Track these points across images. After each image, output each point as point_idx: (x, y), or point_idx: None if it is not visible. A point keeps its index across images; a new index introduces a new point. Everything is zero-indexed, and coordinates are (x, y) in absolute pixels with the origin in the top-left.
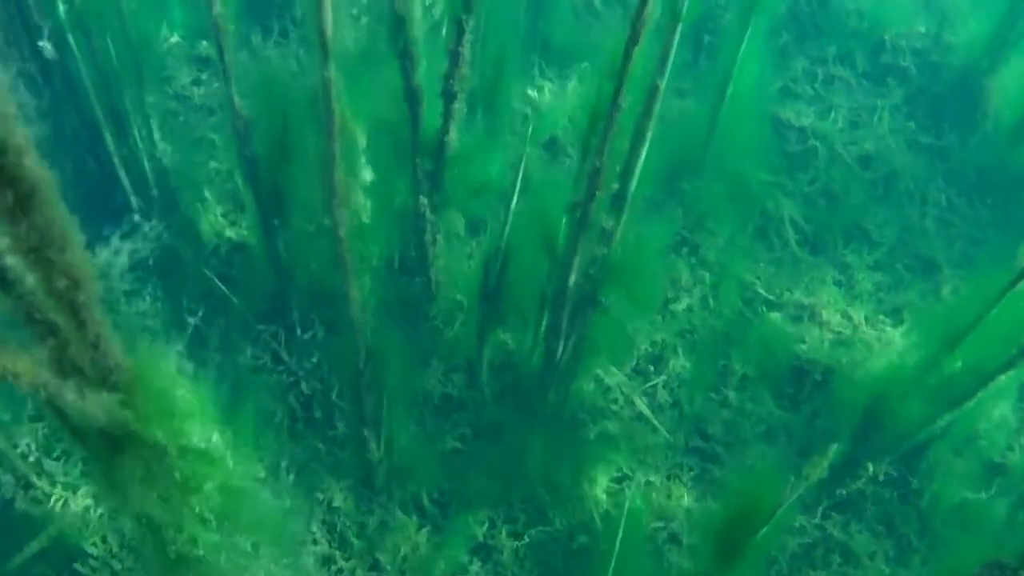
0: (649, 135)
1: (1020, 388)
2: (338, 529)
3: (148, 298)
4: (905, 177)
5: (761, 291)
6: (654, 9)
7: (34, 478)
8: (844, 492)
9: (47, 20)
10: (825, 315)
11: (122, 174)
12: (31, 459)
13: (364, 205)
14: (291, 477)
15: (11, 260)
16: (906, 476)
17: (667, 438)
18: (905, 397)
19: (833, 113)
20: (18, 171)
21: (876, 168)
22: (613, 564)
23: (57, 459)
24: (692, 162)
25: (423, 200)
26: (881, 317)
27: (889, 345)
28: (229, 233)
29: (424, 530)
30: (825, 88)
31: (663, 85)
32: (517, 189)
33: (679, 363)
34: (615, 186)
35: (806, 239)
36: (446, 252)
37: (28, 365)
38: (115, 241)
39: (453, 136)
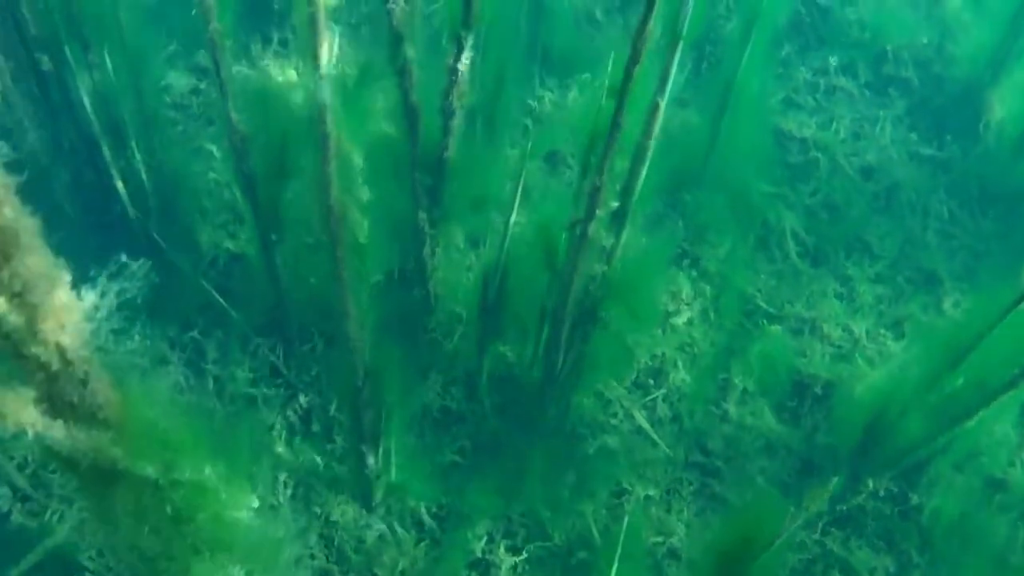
0: (649, 153)
1: (1022, 404)
2: (336, 544)
3: (137, 336)
4: (907, 189)
5: (762, 304)
6: (655, 28)
7: (31, 491)
8: (844, 507)
9: (44, 32)
10: (826, 328)
11: (119, 185)
12: (28, 471)
13: (361, 224)
14: (288, 491)
15: None
16: (906, 492)
17: (667, 452)
18: (905, 413)
19: (835, 124)
20: None
21: (878, 180)
22: None
23: (54, 472)
24: (693, 173)
25: (422, 215)
26: (882, 331)
27: (890, 359)
28: (228, 244)
29: (422, 544)
30: (827, 99)
31: (664, 103)
32: (516, 203)
33: (679, 377)
34: (615, 204)
35: (807, 251)
36: (445, 265)
37: (15, 403)
38: (102, 281)
39: (452, 151)
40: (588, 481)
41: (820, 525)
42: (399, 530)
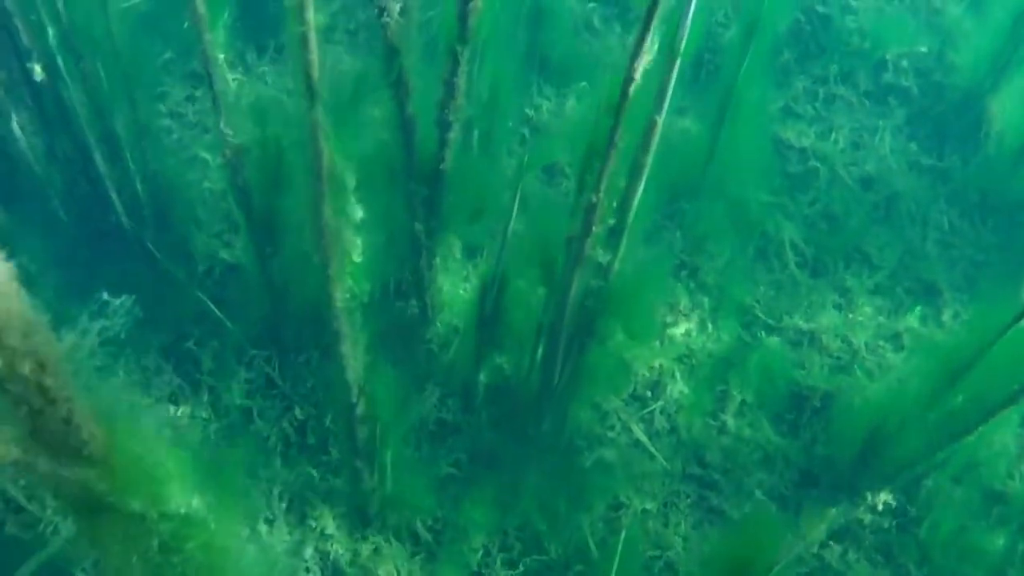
0: (647, 170)
1: (1021, 416)
2: (331, 557)
3: (121, 372)
4: (906, 199)
5: (760, 315)
6: (653, 38)
7: (24, 502)
8: (842, 521)
9: (36, 42)
10: (825, 340)
11: (114, 195)
12: (22, 482)
13: (355, 243)
14: (283, 505)
15: None
16: (905, 505)
17: (664, 465)
18: (904, 428)
19: (834, 133)
20: None
21: (877, 190)
22: None
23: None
24: (691, 182)
25: (418, 226)
26: (881, 342)
27: (889, 372)
28: (223, 254)
29: (418, 557)
30: (826, 108)
31: (661, 120)
32: (514, 215)
33: (677, 388)
34: (612, 221)
35: (806, 261)
36: (442, 276)
37: None
38: (83, 320)
39: (448, 163)
40: (585, 494)
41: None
42: (395, 543)
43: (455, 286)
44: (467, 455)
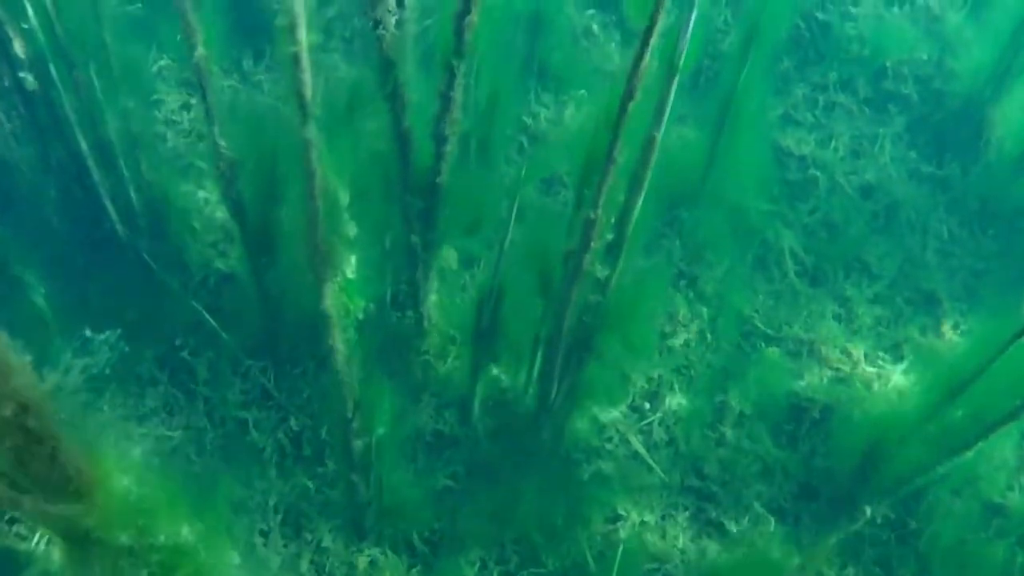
0: (645, 185)
1: (1021, 429)
2: (327, 570)
3: (106, 407)
4: (906, 207)
5: (760, 325)
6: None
7: (18, 514)
8: (841, 535)
9: (28, 50)
10: (824, 351)
11: (108, 204)
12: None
13: (349, 260)
14: (279, 517)
15: None
16: (904, 517)
17: (662, 477)
18: (904, 442)
19: (834, 141)
20: None
21: (877, 198)
22: None
23: None
24: (690, 190)
25: (415, 239)
26: (880, 353)
27: (888, 383)
28: (218, 264)
29: (415, 570)
30: (826, 115)
31: (660, 136)
32: (511, 227)
33: (676, 400)
34: (610, 236)
35: (805, 271)
36: (439, 286)
37: None
38: (66, 358)
39: (445, 176)
40: (583, 507)
41: (816, 551)
42: (391, 555)
43: (452, 296)
44: (464, 467)
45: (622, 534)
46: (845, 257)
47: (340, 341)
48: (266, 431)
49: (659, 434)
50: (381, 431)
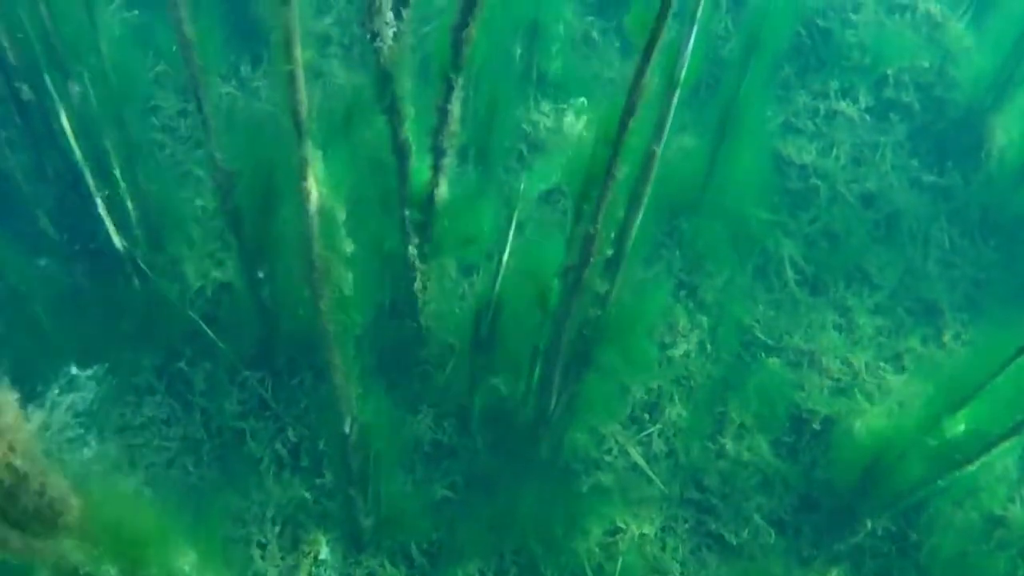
0: (645, 201)
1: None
2: None
3: (94, 443)
4: (907, 217)
5: (760, 335)
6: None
7: None
8: (842, 547)
9: (23, 60)
10: (825, 361)
11: (104, 213)
12: None
13: (346, 277)
14: (276, 529)
15: None
16: (905, 529)
17: (662, 489)
18: (905, 456)
19: (835, 150)
20: None
21: (878, 207)
22: None
23: None
24: (690, 199)
25: (412, 251)
26: (881, 364)
27: (889, 394)
28: (215, 273)
29: None
30: (827, 123)
31: (659, 150)
32: (510, 240)
33: (675, 411)
34: (609, 252)
35: (806, 280)
36: (437, 296)
37: None
38: (52, 395)
39: (442, 189)
40: (582, 519)
41: (817, 564)
42: (389, 567)
43: (451, 304)
44: (463, 477)
45: (621, 546)
46: (846, 267)
47: (337, 357)
48: (263, 442)
49: (659, 445)
50: (379, 441)
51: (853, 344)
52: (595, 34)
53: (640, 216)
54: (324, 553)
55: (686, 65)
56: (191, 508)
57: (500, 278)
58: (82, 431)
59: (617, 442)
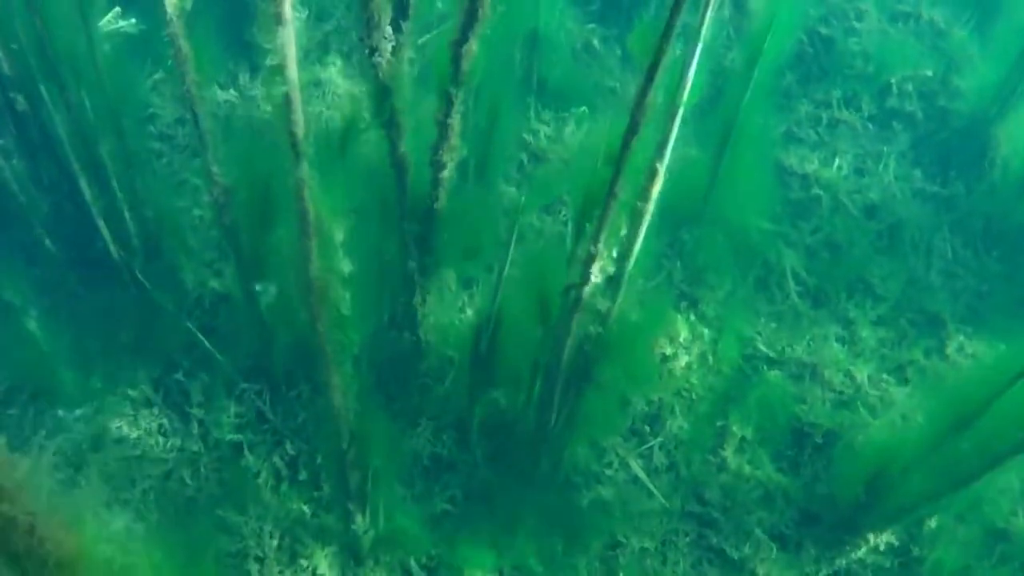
0: (647, 218)
1: None
2: None
3: (83, 482)
4: (910, 227)
5: (761, 347)
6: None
7: None
8: (844, 562)
9: (17, 69)
10: (827, 374)
11: (100, 223)
12: None
13: (343, 297)
14: (274, 543)
15: None
16: (907, 544)
17: (663, 503)
18: (908, 472)
19: (837, 160)
20: None
21: (881, 218)
22: None
23: None
24: (692, 210)
25: (412, 264)
26: (884, 376)
27: (892, 407)
28: (213, 284)
29: None
30: (829, 133)
31: (663, 168)
32: (511, 252)
33: (676, 424)
34: (611, 270)
35: (808, 292)
36: (437, 308)
37: None
38: (39, 439)
39: (442, 202)
40: (582, 533)
41: None
42: None
43: (450, 317)
44: (462, 491)
45: (622, 560)
46: (848, 278)
47: (336, 377)
48: (261, 455)
49: (659, 458)
50: (378, 455)
51: (855, 356)
52: (596, 42)
53: (642, 235)
54: (322, 567)
55: (689, 86)
56: (185, 537)
57: (500, 290)
58: (72, 471)
59: (618, 455)
